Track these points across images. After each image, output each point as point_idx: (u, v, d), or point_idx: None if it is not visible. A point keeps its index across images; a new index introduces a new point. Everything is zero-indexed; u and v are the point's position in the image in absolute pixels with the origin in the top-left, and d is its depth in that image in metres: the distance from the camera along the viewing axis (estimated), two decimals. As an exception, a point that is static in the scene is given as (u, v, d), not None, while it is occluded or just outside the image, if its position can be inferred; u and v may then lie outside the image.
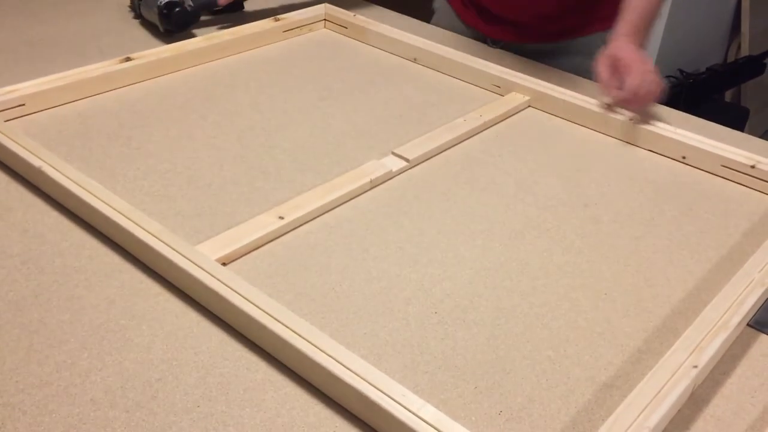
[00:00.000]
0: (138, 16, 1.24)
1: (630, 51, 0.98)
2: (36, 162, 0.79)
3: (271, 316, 0.61)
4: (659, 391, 0.58)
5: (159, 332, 0.64)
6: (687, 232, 0.81)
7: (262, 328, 0.61)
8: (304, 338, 0.60)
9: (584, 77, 1.14)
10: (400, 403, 0.55)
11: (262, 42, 1.19)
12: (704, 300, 0.70)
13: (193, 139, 0.93)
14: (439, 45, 1.16)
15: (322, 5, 1.29)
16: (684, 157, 0.94)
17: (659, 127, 0.96)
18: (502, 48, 1.23)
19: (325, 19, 1.28)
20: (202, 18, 1.22)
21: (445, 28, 1.28)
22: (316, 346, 0.59)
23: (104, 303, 0.67)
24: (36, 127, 0.92)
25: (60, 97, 0.97)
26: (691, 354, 0.61)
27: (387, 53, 1.20)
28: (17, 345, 0.62)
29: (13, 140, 0.83)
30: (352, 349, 0.61)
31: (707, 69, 2.45)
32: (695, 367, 0.60)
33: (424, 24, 1.31)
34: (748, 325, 0.68)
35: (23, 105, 0.94)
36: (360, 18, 1.24)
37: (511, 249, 0.77)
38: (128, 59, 1.04)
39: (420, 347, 0.64)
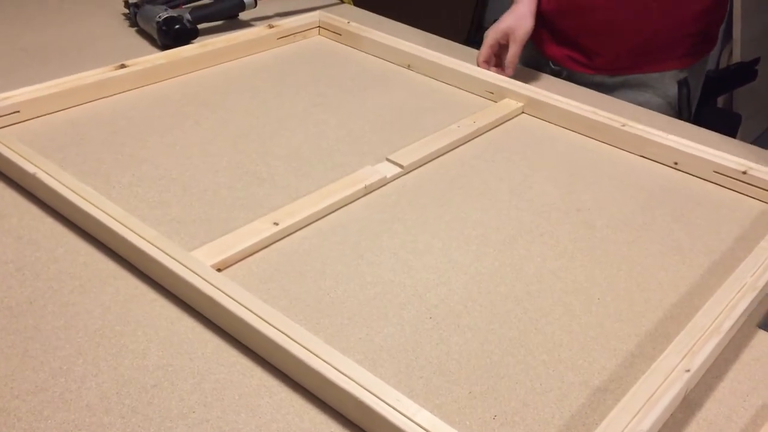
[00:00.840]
0: (134, 24, 1.24)
1: None
2: (30, 168, 0.79)
3: (266, 322, 0.62)
4: (652, 395, 0.58)
5: (154, 338, 0.64)
6: (679, 238, 0.82)
7: (257, 333, 0.62)
8: (299, 343, 0.60)
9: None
10: (395, 408, 0.55)
11: (256, 49, 1.19)
12: (697, 305, 0.71)
13: (187, 145, 0.93)
14: (433, 52, 1.17)
15: (317, 12, 1.29)
16: (676, 163, 0.95)
17: (652, 133, 0.97)
18: (565, 78, 1.17)
19: (319, 27, 1.29)
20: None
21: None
22: (311, 351, 0.59)
23: (99, 309, 0.67)
24: (30, 134, 0.92)
25: (54, 104, 0.98)
26: (683, 358, 0.62)
27: (381, 60, 1.20)
28: (12, 351, 0.62)
29: (7, 147, 0.83)
30: (346, 354, 0.61)
31: (699, 76, 2.47)
32: (688, 371, 0.61)
33: (418, 31, 1.32)
34: (757, 326, 0.69)
35: (18, 112, 0.94)
36: (354, 25, 1.25)
37: (505, 254, 0.78)
38: (123, 66, 1.04)
39: (415, 352, 0.65)
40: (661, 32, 1.11)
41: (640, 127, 0.98)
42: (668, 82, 1.12)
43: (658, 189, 0.91)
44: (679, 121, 1.06)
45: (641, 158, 0.97)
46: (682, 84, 1.13)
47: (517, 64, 1.11)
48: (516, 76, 1.12)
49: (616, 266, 0.77)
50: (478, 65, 1.13)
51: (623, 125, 0.98)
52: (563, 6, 1.15)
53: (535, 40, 1.21)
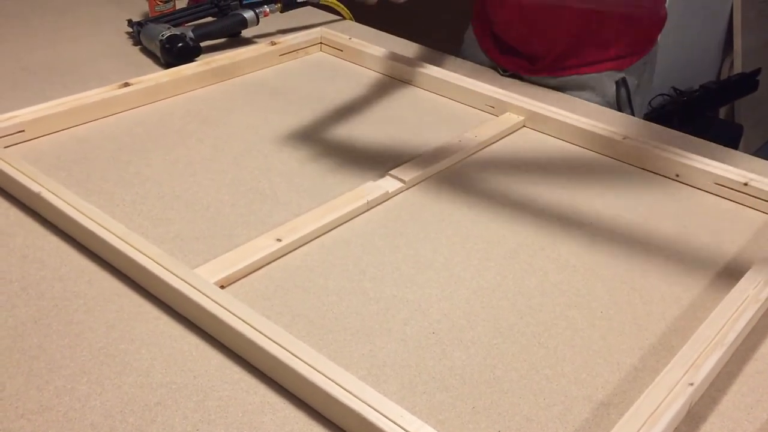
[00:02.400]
0: (137, 42, 1.25)
1: None
2: (35, 187, 0.80)
3: (269, 338, 0.62)
4: (656, 409, 0.58)
5: (158, 356, 0.64)
6: (681, 250, 0.82)
7: (261, 350, 0.62)
8: (301, 360, 0.60)
9: None
10: (397, 424, 0.55)
11: (259, 66, 1.20)
12: (700, 317, 0.71)
13: (190, 162, 0.94)
14: (434, 67, 1.17)
15: (318, 28, 1.30)
16: (677, 175, 0.95)
17: (653, 146, 0.97)
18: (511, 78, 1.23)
19: (321, 43, 1.30)
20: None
21: (468, 58, 1.29)
22: (313, 368, 0.59)
23: (103, 327, 0.67)
24: (35, 153, 0.93)
25: (59, 123, 0.98)
26: (687, 371, 0.62)
27: (383, 75, 1.21)
28: (17, 370, 0.62)
29: (12, 166, 0.83)
30: (349, 370, 0.61)
31: (701, 86, 2.48)
32: (691, 384, 0.61)
33: (419, 46, 1.32)
34: None
35: (23, 131, 0.94)
36: (355, 41, 1.26)
37: (507, 268, 0.78)
38: (127, 84, 1.05)
39: (418, 368, 0.65)
40: (592, 31, 1.15)
41: (641, 139, 0.98)
42: (606, 82, 1.17)
43: (659, 201, 0.91)
44: (681, 133, 1.06)
45: (642, 170, 0.97)
46: (620, 84, 1.18)
47: None
48: (516, 90, 1.12)
49: (618, 279, 0.77)
50: None
51: (624, 138, 0.99)
52: (498, 15, 1.21)
53: (487, 50, 1.28)
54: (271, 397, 0.61)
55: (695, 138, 1.05)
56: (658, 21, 1.21)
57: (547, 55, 1.18)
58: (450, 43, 1.43)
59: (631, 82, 1.19)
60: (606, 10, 1.12)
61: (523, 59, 1.22)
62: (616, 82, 1.17)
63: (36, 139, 0.96)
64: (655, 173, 0.96)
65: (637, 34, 1.18)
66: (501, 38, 1.23)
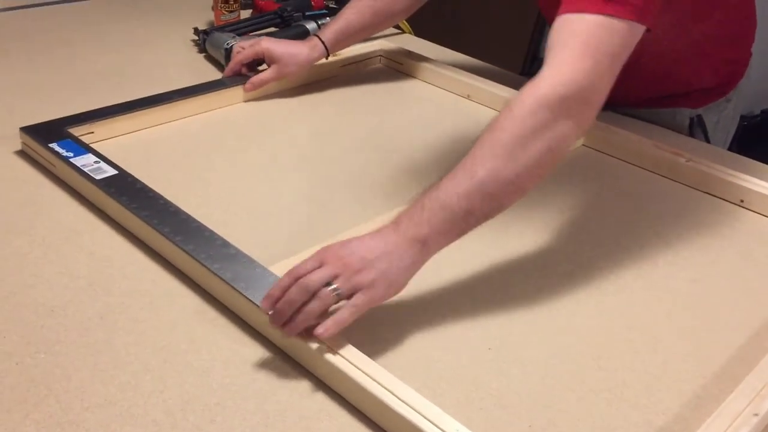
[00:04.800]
0: (202, 50, 1.28)
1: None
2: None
3: (328, 347, 0.62)
4: (719, 439, 0.57)
5: (218, 357, 0.65)
6: (745, 277, 0.80)
7: (318, 358, 0.62)
8: (359, 369, 0.60)
9: None
10: (455, 439, 0.55)
11: (319, 76, 1.22)
12: (765, 347, 0.69)
13: (251, 169, 0.95)
14: (492, 82, 1.17)
15: (378, 41, 1.32)
16: (742, 201, 0.93)
17: (717, 170, 0.95)
18: None
19: (381, 56, 1.31)
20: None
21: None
22: (371, 377, 0.60)
23: (167, 326, 0.68)
24: (104, 155, 0.96)
25: (127, 126, 1.01)
26: (751, 402, 0.60)
27: (441, 89, 1.21)
28: (83, 364, 0.64)
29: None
30: (405, 381, 0.61)
31: (762, 111, 2.42)
32: (756, 415, 0.59)
33: (477, 61, 1.33)
34: None
35: (92, 133, 0.97)
36: (415, 55, 1.27)
37: (566, 288, 0.77)
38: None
39: (474, 383, 0.64)
40: (678, 84, 1.09)
41: (706, 162, 0.96)
42: (679, 118, 1.11)
43: (723, 227, 0.89)
44: (744, 157, 1.04)
45: (706, 195, 0.95)
46: (695, 121, 1.11)
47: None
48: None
49: (680, 304, 0.75)
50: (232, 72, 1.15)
51: (688, 161, 0.97)
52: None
53: None
54: (328, 404, 0.62)
55: (761, 163, 1.03)
56: (743, 60, 1.12)
57: (627, 98, 1.11)
58: (504, 59, 1.43)
59: (710, 119, 1.12)
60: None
61: None
62: (691, 119, 1.11)
63: (104, 141, 0.99)
64: (719, 198, 0.94)
65: (718, 84, 1.10)
66: None
